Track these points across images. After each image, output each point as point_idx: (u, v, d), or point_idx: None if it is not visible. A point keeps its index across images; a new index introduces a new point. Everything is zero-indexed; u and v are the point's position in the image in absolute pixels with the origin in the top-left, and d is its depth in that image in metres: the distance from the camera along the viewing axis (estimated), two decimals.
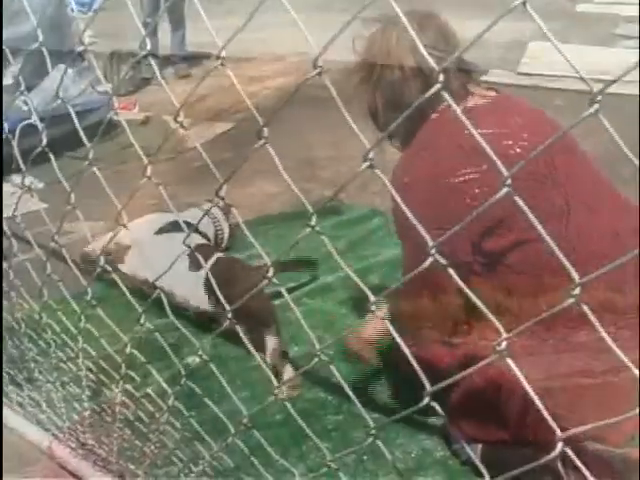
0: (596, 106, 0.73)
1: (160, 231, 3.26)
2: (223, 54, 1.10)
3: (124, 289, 1.58)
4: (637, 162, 0.76)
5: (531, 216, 0.84)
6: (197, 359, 2.66)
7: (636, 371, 0.84)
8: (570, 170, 2.06)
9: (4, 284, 2.10)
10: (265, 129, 1.07)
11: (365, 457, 2.37)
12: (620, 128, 0.78)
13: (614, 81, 0.72)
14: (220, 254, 3.21)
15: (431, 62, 0.84)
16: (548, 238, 0.84)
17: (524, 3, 0.76)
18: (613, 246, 1.99)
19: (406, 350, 1.05)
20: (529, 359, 1.88)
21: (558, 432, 0.85)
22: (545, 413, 0.91)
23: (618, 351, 0.82)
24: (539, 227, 0.85)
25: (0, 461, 2.23)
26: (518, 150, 1.95)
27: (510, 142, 1.97)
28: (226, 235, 3.69)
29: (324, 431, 2.51)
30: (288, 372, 2.74)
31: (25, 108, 4.60)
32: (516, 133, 1.99)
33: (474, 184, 1.95)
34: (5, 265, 2.02)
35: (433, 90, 0.85)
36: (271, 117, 1.06)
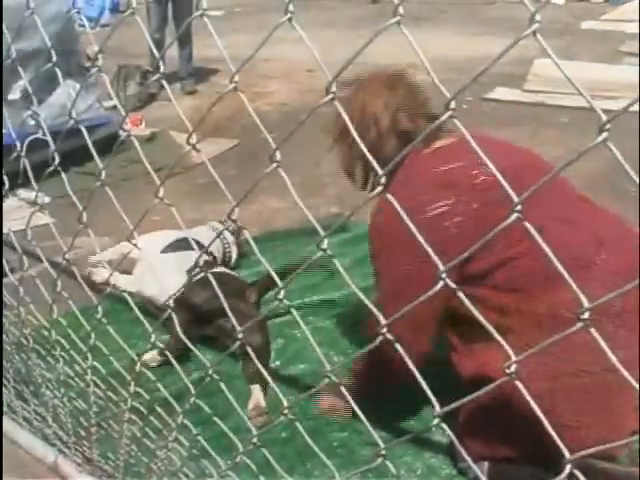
0: (605, 135, 0.73)
1: (166, 249, 3.27)
2: (236, 79, 1.10)
3: (134, 307, 1.57)
4: (637, 179, 0.76)
5: (538, 238, 0.85)
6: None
7: (626, 373, 0.84)
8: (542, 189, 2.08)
9: (13, 299, 2.10)
10: (277, 153, 1.07)
11: (370, 475, 2.36)
12: (621, 144, 0.77)
13: (625, 109, 0.72)
14: (217, 269, 3.24)
15: (443, 90, 0.85)
16: (546, 247, 0.85)
17: (534, 33, 0.76)
18: (599, 253, 2.05)
19: (414, 370, 1.04)
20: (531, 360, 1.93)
21: (567, 454, 0.85)
22: (552, 432, 0.91)
23: (614, 359, 0.82)
24: (543, 244, 0.85)
25: (0, 466, 2.23)
26: (484, 178, 2.02)
27: (476, 172, 2.04)
28: (234, 254, 3.70)
29: (330, 448, 2.50)
30: (255, 398, 2.72)
31: (32, 123, 4.65)
32: (482, 163, 2.04)
33: (447, 216, 2.06)
34: (15, 279, 2.02)
35: (445, 117, 0.86)
36: (282, 142, 1.06)
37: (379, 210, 2.25)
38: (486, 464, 2.18)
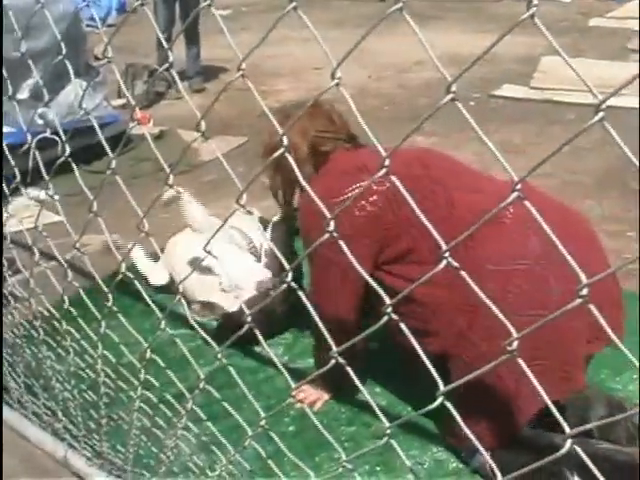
0: (601, 114, 0.74)
1: (192, 262, 3.27)
2: (243, 66, 1.12)
3: (146, 297, 1.59)
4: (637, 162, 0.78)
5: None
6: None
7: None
8: (443, 166, 2.45)
9: (26, 293, 2.12)
10: (284, 138, 1.09)
11: (378, 468, 2.38)
12: (627, 142, 0.79)
13: (619, 89, 0.73)
14: None
15: (445, 74, 0.86)
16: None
17: (532, 16, 0.77)
18: (507, 209, 2.19)
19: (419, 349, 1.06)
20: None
21: (567, 429, 0.86)
22: (553, 408, 0.92)
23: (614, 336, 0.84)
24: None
25: (0, 462, 2.25)
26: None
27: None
28: (259, 248, 3.70)
29: (338, 442, 2.50)
30: None
31: (40, 122, 4.67)
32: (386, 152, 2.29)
33: (363, 196, 2.28)
34: (27, 274, 2.04)
35: (446, 99, 0.87)
36: (290, 126, 1.08)
37: (300, 203, 2.56)
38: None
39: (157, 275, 3.40)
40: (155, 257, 3.43)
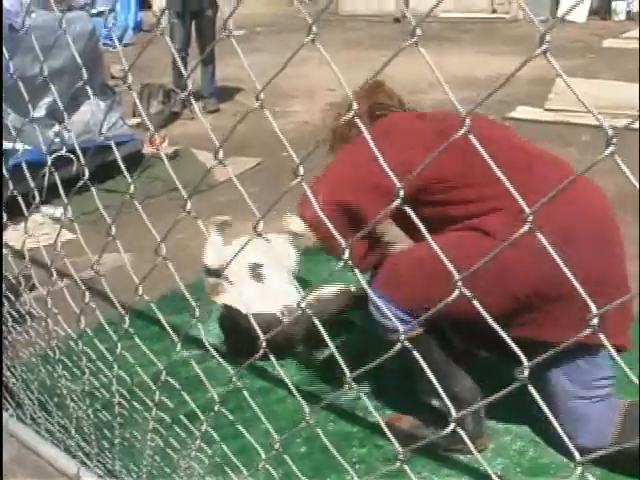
0: (612, 148, 0.75)
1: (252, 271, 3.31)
2: (262, 96, 1.13)
3: (161, 318, 1.59)
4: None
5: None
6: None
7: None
8: (496, 135, 2.52)
9: (42, 312, 2.13)
10: (301, 167, 1.09)
11: None
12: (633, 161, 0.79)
13: (631, 123, 0.73)
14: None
15: (457, 106, 0.87)
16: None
17: (545, 52, 0.78)
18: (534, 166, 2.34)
19: None
20: None
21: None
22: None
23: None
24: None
25: (0, 467, 2.25)
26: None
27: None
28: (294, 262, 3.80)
29: (349, 464, 2.49)
30: None
31: (57, 140, 4.71)
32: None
33: (417, 135, 2.41)
34: (44, 292, 2.05)
35: (461, 132, 0.87)
36: (306, 157, 1.08)
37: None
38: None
39: (212, 259, 3.48)
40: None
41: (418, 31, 0.87)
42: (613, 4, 12.75)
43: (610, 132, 0.74)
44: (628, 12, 12.68)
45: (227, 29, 1.15)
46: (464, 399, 2.38)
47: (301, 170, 1.09)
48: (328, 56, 1.01)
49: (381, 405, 2.81)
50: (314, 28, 0.99)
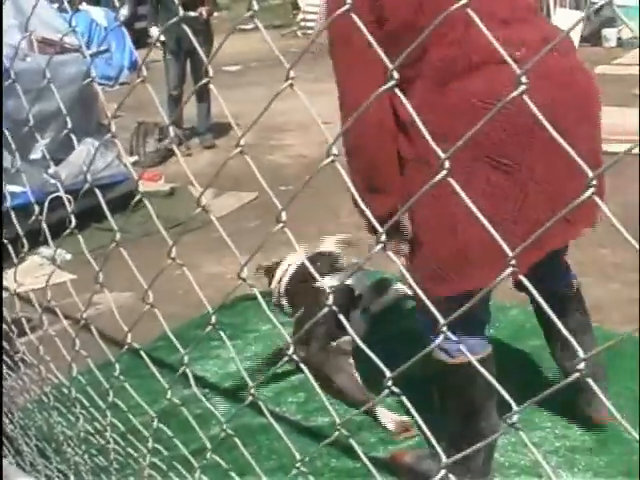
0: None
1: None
2: (242, 142, 1.12)
3: (149, 364, 1.57)
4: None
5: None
6: None
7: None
8: None
9: (33, 357, 2.11)
10: (283, 213, 1.07)
11: None
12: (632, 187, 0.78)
13: (614, 163, 0.73)
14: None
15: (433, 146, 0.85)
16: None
17: (522, 94, 0.78)
18: (519, 49, 2.04)
19: None
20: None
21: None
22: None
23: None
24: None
25: None
26: None
27: None
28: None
29: None
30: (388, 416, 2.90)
31: (52, 182, 4.71)
32: None
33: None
34: (34, 338, 2.03)
35: (439, 178, 0.86)
36: (289, 202, 1.07)
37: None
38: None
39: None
40: None
41: (291, 73, 0.87)
42: (603, 31, 12.84)
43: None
44: (618, 39, 12.77)
45: (208, 75, 1.15)
46: (484, 436, 2.18)
47: (283, 216, 1.07)
48: (306, 100, 1.00)
49: (382, 439, 2.80)
50: (292, 73, 0.99)
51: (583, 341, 2.48)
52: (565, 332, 0.86)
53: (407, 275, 1.09)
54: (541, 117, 0.78)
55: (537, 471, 2.59)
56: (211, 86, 1.15)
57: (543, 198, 2.08)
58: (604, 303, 3.60)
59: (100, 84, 5.97)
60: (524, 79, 0.78)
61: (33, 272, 3.99)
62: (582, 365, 0.79)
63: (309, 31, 16.01)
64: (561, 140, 0.78)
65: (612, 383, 2.70)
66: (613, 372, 2.99)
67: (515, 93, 0.78)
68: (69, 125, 1.64)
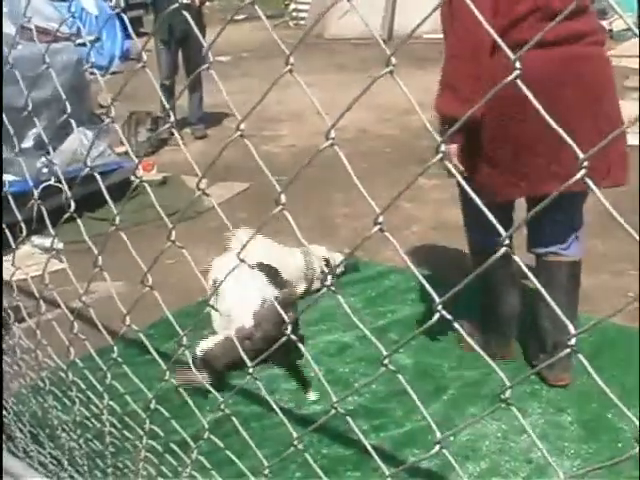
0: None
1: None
2: (242, 127, 1.13)
3: (149, 346, 1.58)
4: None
5: None
6: None
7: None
8: None
9: (31, 343, 2.12)
10: (282, 196, 1.09)
11: None
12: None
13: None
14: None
15: (434, 134, 0.87)
16: None
17: (516, 77, 0.80)
18: None
19: None
20: None
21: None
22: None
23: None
24: None
25: None
26: None
27: None
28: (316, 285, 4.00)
29: None
30: None
31: (45, 170, 4.70)
32: None
33: None
34: (32, 323, 2.04)
35: (435, 160, 0.87)
36: (286, 186, 1.08)
37: None
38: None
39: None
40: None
41: (393, 59, 0.88)
42: None
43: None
44: (610, 31, 12.78)
45: (209, 62, 1.16)
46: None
47: (283, 199, 1.09)
48: (304, 85, 1.01)
49: (374, 426, 2.82)
50: (291, 59, 1.00)
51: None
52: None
53: (402, 253, 1.11)
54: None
55: (528, 457, 2.62)
56: (212, 72, 1.15)
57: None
58: (594, 293, 3.63)
59: (91, 73, 5.94)
60: (518, 64, 0.81)
61: (25, 261, 3.99)
62: (573, 341, 0.82)
63: (301, 22, 15.99)
64: (554, 124, 0.80)
65: (600, 372, 2.72)
66: (602, 361, 3.04)
67: (510, 78, 0.81)
68: (68, 110, 1.65)
